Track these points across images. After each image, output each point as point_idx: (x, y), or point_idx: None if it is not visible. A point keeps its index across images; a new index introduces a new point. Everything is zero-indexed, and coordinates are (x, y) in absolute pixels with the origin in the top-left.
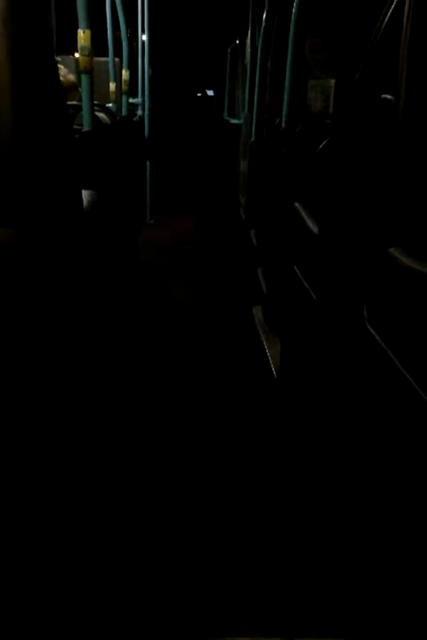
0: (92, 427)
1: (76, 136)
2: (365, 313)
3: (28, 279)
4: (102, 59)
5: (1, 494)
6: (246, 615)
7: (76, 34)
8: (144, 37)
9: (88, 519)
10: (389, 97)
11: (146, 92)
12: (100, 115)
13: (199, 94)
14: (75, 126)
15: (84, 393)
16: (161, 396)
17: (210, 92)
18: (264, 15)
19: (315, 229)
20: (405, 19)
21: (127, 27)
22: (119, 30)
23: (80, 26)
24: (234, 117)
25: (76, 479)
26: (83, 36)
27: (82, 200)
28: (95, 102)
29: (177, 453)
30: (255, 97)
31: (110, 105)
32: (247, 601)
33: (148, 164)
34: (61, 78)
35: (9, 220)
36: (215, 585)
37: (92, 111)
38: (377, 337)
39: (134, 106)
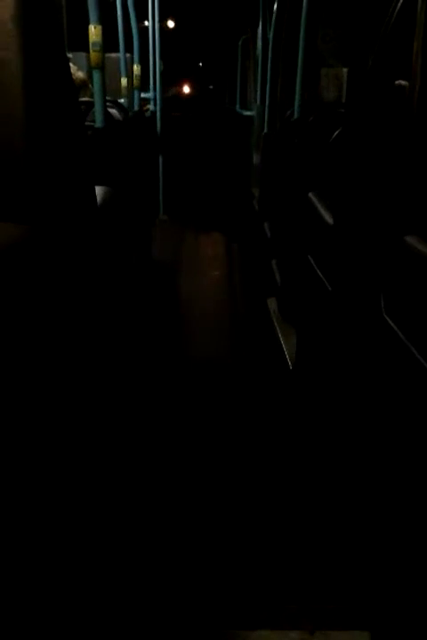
0: (111, 417)
1: (89, 132)
2: (381, 302)
3: (43, 276)
4: (114, 54)
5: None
6: (266, 607)
7: (86, 30)
8: (155, 32)
9: (111, 502)
10: (403, 83)
11: (157, 87)
12: (113, 111)
13: (211, 87)
14: (87, 123)
15: (98, 390)
16: (174, 389)
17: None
18: (275, 5)
19: (329, 219)
20: (419, 1)
21: (138, 21)
22: (130, 25)
23: (91, 21)
24: (246, 109)
25: (99, 473)
26: (94, 31)
27: (96, 196)
28: (107, 98)
29: (193, 446)
30: (267, 88)
31: (122, 100)
32: (268, 592)
33: (160, 159)
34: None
35: (23, 217)
36: (235, 576)
37: (105, 107)
38: (394, 326)
39: (146, 100)
